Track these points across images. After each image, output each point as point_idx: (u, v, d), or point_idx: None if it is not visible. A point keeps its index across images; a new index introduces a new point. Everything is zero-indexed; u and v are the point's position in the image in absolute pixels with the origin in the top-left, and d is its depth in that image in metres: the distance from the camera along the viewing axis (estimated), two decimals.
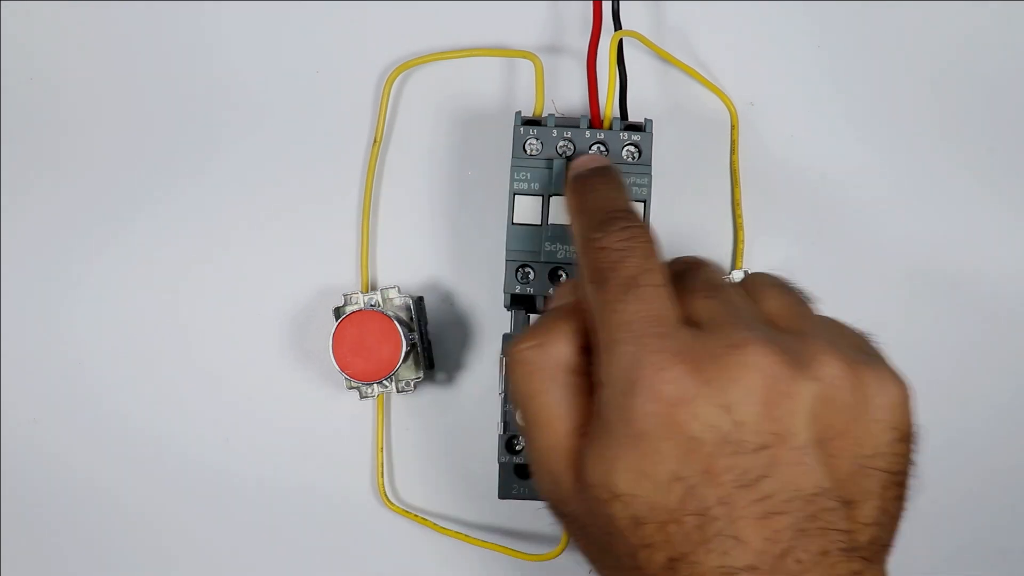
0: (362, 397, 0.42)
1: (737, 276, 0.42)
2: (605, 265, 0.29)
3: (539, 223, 0.40)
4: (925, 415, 0.44)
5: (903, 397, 0.28)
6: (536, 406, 0.29)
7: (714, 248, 0.44)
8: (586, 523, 0.29)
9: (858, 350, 0.29)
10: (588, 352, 0.29)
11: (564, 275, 0.40)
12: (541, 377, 0.29)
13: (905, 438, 0.28)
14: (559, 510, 0.30)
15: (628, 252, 0.29)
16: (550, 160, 0.40)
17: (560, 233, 0.39)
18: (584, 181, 0.34)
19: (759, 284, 0.31)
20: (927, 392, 0.44)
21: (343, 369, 0.41)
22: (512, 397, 0.30)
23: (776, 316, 0.30)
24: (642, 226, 0.30)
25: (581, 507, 0.28)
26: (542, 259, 0.40)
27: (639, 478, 0.26)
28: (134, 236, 0.45)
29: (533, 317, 0.41)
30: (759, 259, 0.44)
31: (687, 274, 0.31)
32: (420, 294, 0.44)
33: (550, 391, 0.29)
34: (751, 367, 0.26)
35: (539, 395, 0.29)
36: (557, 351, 0.30)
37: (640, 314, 0.28)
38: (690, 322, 0.28)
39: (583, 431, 0.29)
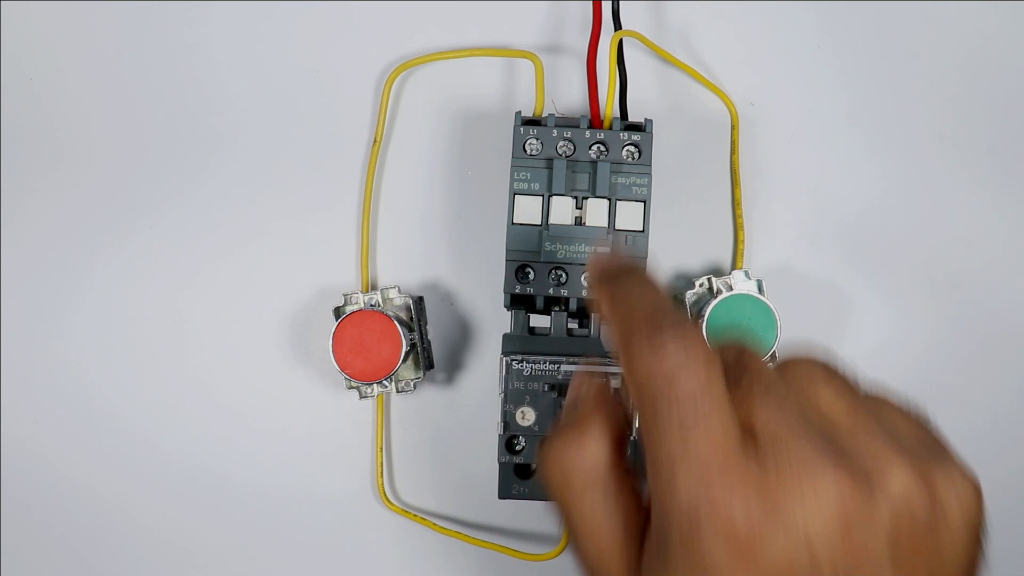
0: (362, 397, 0.42)
1: (737, 276, 0.42)
2: (657, 383, 0.25)
3: (539, 223, 0.40)
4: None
5: (976, 495, 0.27)
6: (578, 514, 0.27)
7: (714, 248, 0.44)
8: None
9: (923, 446, 0.27)
10: (622, 442, 0.28)
11: (564, 275, 0.40)
12: (579, 481, 0.27)
13: (979, 536, 0.27)
14: None
15: (683, 366, 0.25)
16: (550, 160, 0.40)
17: (560, 233, 0.39)
18: (615, 283, 0.30)
19: (805, 374, 0.28)
20: (926, 392, 0.45)
21: (343, 369, 0.41)
22: (551, 503, 0.28)
23: (830, 412, 0.27)
24: (695, 332, 0.26)
25: None
26: (542, 259, 0.39)
27: None
28: (134, 237, 0.45)
29: (533, 317, 0.41)
30: (759, 259, 0.44)
31: (734, 369, 0.28)
32: (420, 294, 0.44)
33: (591, 495, 0.27)
34: (822, 492, 0.25)
35: (579, 501, 0.27)
36: (592, 450, 0.27)
37: (700, 440, 0.25)
38: (746, 431, 0.26)
39: (632, 538, 0.27)
